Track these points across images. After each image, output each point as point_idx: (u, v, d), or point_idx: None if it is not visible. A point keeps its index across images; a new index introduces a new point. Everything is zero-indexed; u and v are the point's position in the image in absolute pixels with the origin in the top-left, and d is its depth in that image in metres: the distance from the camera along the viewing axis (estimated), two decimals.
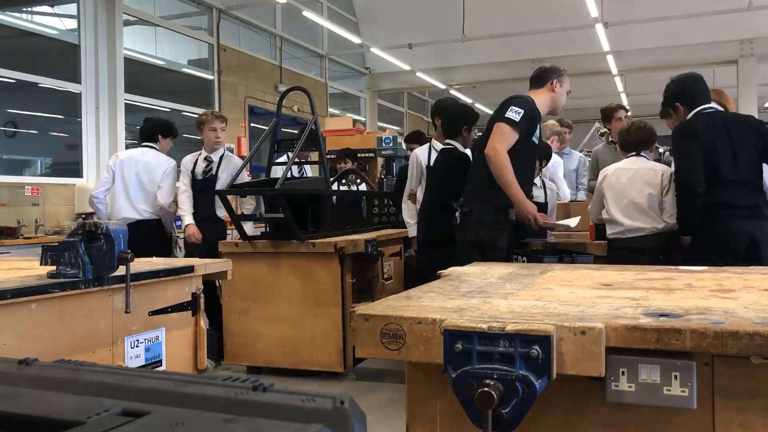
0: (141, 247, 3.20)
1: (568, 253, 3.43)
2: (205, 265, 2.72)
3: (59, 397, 0.66)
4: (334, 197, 5.53)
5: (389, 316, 1.41)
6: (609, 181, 3.81)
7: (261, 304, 4.67)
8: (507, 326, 1.28)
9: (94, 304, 2.18)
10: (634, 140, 3.92)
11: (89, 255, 2.07)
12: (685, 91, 3.70)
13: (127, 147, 7.48)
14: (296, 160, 5.18)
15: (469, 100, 17.60)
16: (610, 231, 3.74)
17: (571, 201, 4.99)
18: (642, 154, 3.87)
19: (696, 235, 3.49)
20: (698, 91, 3.66)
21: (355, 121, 10.55)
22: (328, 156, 6.05)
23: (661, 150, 7.16)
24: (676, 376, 1.26)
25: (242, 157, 7.88)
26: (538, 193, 4.27)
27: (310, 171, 6.30)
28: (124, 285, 2.21)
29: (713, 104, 3.67)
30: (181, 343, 2.60)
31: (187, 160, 5.18)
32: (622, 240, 3.68)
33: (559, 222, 3.83)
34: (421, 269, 4.45)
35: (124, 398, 0.65)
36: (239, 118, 10.55)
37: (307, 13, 11.10)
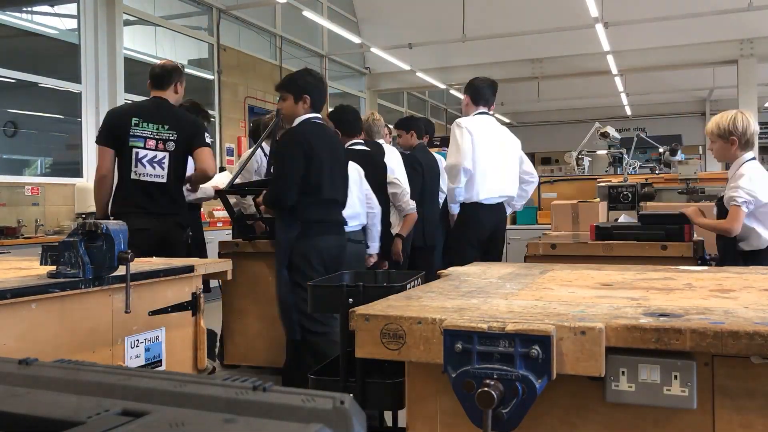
0: None
1: None
2: (205, 265, 2.72)
3: (59, 397, 0.66)
4: None
5: (389, 316, 1.41)
6: None
7: (261, 304, 4.66)
8: (507, 326, 1.28)
9: (94, 304, 2.18)
10: None
11: (89, 255, 2.07)
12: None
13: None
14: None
15: None
16: None
17: (579, 202, 4.97)
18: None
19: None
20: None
21: None
22: None
23: (661, 150, 7.15)
24: (676, 376, 1.26)
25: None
26: None
27: None
28: (124, 285, 2.21)
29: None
30: (181, 343, 2.60)
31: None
32: None
33: None
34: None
35: (124, 398, 0.65)
36: (239, 118, 10.56)
37: (307, 13, 11.10)
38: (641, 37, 12.26)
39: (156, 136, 3.63)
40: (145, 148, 3.59)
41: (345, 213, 3.71)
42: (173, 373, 0.71)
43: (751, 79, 12.35)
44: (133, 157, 3.59)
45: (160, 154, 3.62)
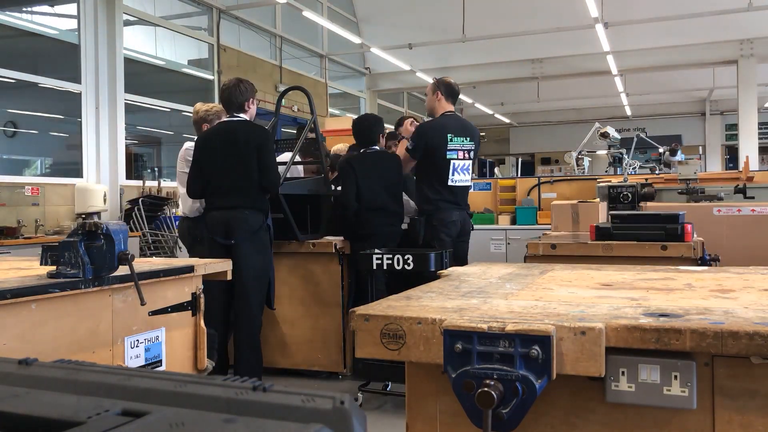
0: None
1: None
2: (205, 265, 2.72)
3: (59, 397, 0.66)
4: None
5: (389, 316, 1.41)
6: None
7: None
8: (507, 326, 1.28)
9: (94, 304, 2.18)
10: None
11: (89, 255, 2.07)
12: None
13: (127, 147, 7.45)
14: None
15: (469, 100, 17.63)
16: None
17: (580, 201, 4.98)
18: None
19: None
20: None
21: None
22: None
23: (661, 150, 7.15)
24: (676, 376, 1.26)
25: None
26: None
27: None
28: (124, 285, 2.22)
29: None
30: (181, 343, 2.60)
31: None
32: None
33: None
34: None
35: (124, 398, 0.65)
36: None
37: (307, 13, 11.10)
38: (641, 37, 12.26)
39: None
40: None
41: None
42: (173, 373, 0.71)
43: (751, 79, 12.35)
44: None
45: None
